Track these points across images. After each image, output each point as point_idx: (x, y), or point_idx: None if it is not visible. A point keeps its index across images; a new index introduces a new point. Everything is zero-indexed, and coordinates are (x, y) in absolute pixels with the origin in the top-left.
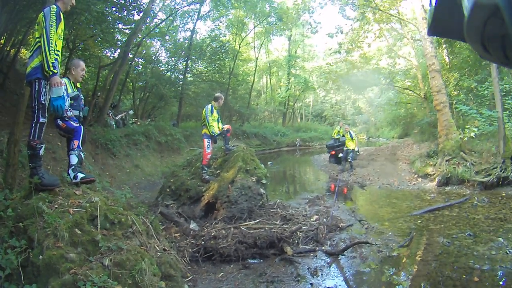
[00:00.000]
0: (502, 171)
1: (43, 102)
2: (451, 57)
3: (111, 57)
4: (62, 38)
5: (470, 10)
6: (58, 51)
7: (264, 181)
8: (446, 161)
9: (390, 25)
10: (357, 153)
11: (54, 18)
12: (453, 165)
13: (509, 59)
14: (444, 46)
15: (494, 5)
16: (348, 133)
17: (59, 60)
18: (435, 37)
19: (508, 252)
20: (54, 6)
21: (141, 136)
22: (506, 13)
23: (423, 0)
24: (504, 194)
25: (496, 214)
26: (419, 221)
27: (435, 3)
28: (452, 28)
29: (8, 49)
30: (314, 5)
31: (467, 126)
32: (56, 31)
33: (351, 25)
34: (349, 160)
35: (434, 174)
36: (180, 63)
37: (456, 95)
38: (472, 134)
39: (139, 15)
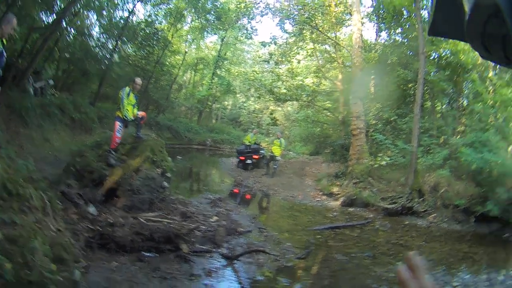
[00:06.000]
0: (408, 201)
1: None
2: (377, 88)
3: (44, 22)
4: None
5: (470, 10)
6: None
7: (169, 175)
8: (354, 183)
9: (325, 46)
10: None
11: None
12: (360, 188)
13: (510, 60)
14: (372, 77)
15: (494, 5)
16: (279, 140)
17: None
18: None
19: None
20: None
21: (56, 109)
22: (506, 13)
23: (363, 31)
24: (407, 223)
25: (397, 240)
26: (319, 237)
27: (435, 3)
28: (452, 28)
29: None
30: (255, 12)
31: (379, 154)
32: None
33: (286, 38)
34: (275, 166)
35: (339, 194)
36: (111, 42)
37: (374, 124)
38: (383, 163)
39: None
